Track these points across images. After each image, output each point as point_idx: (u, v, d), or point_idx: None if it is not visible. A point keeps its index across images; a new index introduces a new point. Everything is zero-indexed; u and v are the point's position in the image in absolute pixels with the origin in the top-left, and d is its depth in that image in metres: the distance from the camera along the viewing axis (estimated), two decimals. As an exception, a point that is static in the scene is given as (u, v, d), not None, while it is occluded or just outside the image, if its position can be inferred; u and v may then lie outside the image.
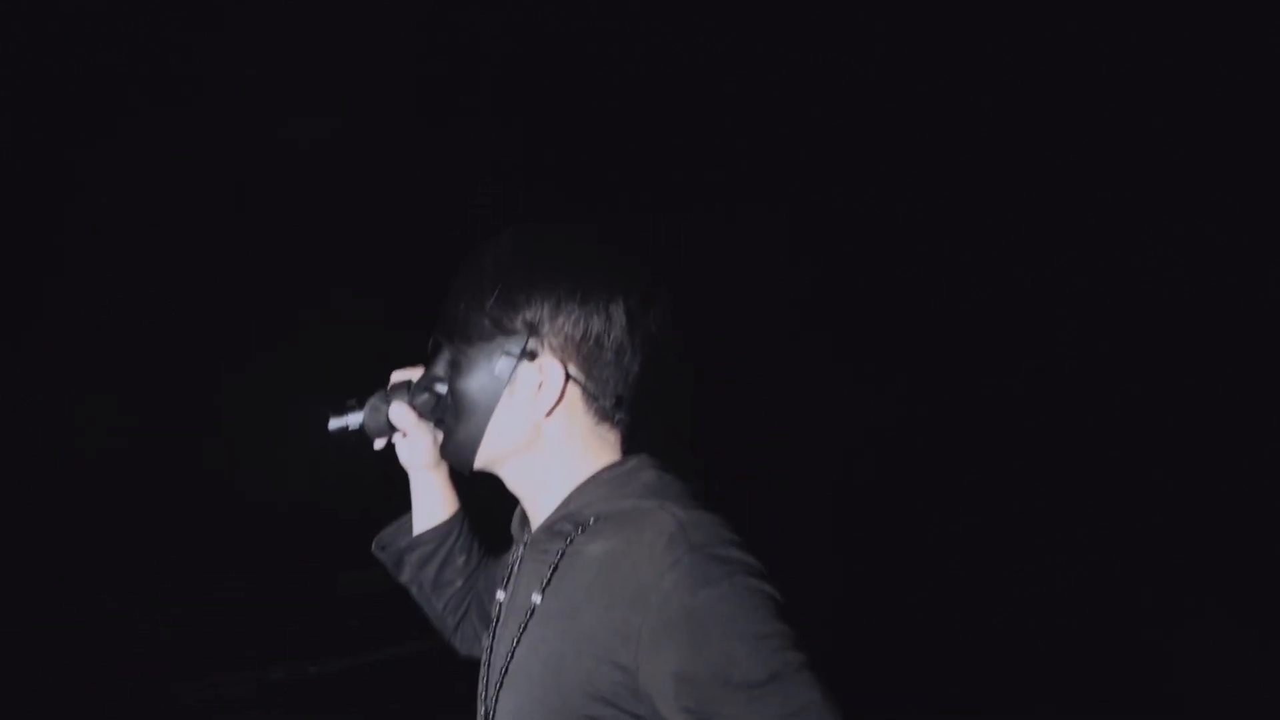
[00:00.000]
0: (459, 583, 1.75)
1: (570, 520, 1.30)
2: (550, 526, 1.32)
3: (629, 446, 1.38)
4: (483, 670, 1.43)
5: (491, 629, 1.44)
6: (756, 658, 1.11)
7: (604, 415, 1.33)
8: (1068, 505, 9.85)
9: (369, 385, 1.68)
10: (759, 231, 11.41)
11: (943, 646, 7.27)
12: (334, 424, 1.60)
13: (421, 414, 1.52)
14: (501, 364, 1.30)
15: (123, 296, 9.59)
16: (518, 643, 1.30)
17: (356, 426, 1.59)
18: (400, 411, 1.57)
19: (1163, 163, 11.25)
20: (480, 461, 1.39)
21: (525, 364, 1.29)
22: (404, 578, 1.79)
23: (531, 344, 1.29)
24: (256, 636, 7.70)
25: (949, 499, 10.08)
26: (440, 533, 1.76)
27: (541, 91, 10.76)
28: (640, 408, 1.37)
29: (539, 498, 1.37)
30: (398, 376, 1.67)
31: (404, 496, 1.82)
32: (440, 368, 1.44)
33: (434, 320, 1.44)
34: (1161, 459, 10.13)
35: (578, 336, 1.28)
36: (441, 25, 10.48)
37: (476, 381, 1.33)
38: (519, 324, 1.29)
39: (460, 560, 1.75)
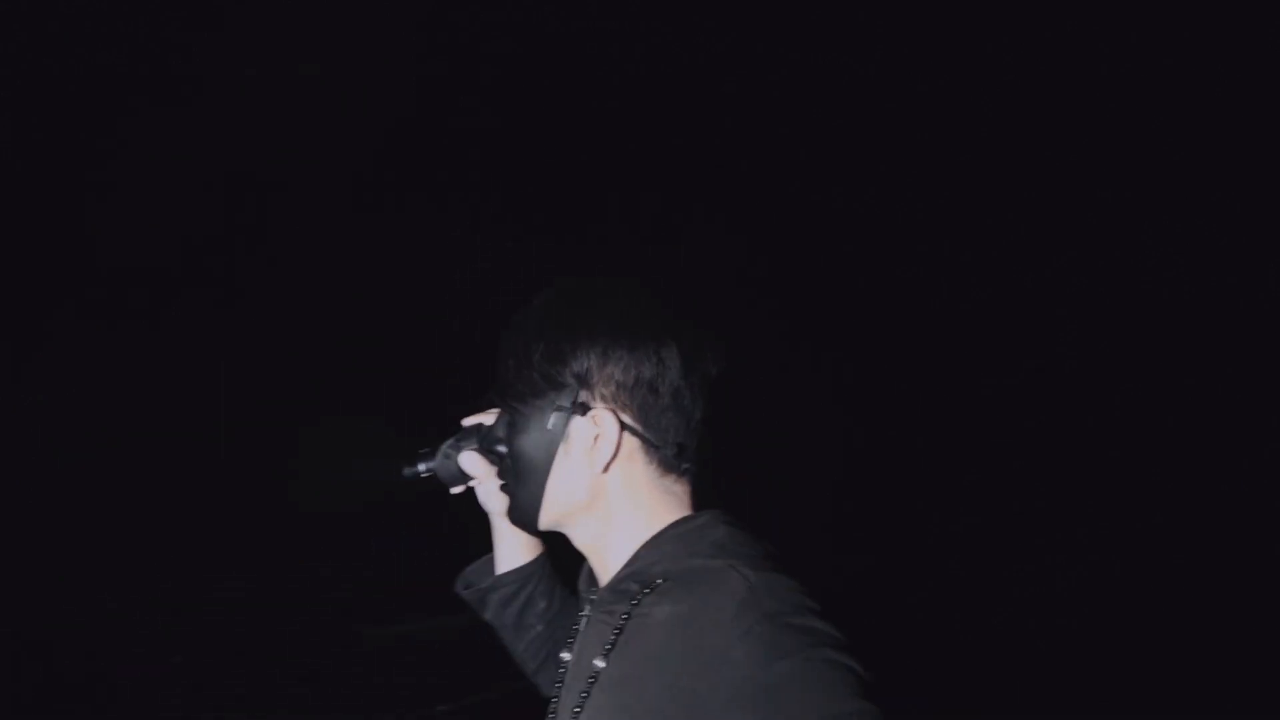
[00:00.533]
0: (539, 627, 1.70)
1: (636, 580, 1.24)
2: (615, 586, 1.27)
3: (700, 500, 1.32)
4: None
5: (555, 691, 1.38)
6: None
7: (668, 466, 1.28)
8: (1067, 504, 9.85)
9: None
10: (756, 234, 11.42)
11: (943, 646, 7.27)
12: (408, 472, 1.60)
13: (488, 458, 1.50)
14: (554, 420, 1.26)
15: (141, 298, 9.63)
16: (580, 710, 1.24)
17: (429, 474, 1.59)
18: (471, 460, 1.55)
19: (1162, 163, 11.25)
20: (544, 523, 1.34)
21: (578, 418, 1.24)
22: (487, 616, 1.76)
23: (583, 396, 1.24)
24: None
25: (949, 498, 10.08)
26: (521, 575, 1.71)
27: (537, 93, 10.76)
28: (707, 456, 1.32)
29: (605, 556, 1.31)
30: (468, 422, 1.64)
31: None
32: (500, 428, 1.39)
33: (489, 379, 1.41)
34: (1161, 458, 10.12)
35: (630, 383, 1.23)
36: (441, 25, 10.48)
37: (531, 440, 1.28)
38: (568, 377, 1.25)
39: (541, 605, 1.70)
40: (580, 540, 1.35)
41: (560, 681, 1.35)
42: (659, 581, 1.21)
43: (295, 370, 9.95)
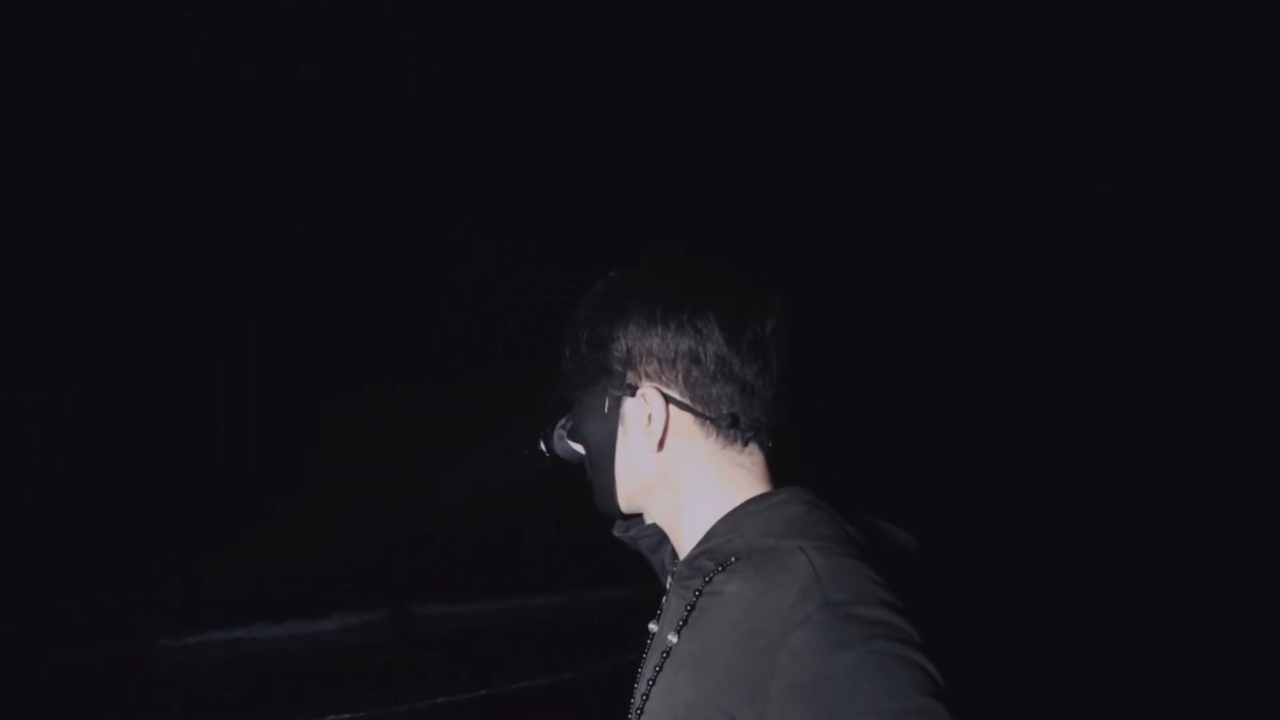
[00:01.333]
0: None
1: (711, 557, 1.23)
2: (691, 562, 1.25)
3: (781, 473, 1.28)
4: (632, 702, 1.36)
5: (643, 660, 1.37)
6: None
7: (729, 437, 1.25)
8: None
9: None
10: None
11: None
12: (529, 450, 1.63)
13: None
14: (609, 405, 1.28)
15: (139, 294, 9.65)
16: (653, 683, 1.24)
17: (550, 452, 1.62)
18: (567, 446, 1.52)
19: (1162, 162, 11.24)
20: (624, 506, 1.34)
21: (629, 399, 1.26)
22: (642, 549, 1.72)
23: (630, 377, 1.25)
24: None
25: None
26: (658, 529, 1.75)
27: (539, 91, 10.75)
28: (785, 425, 1.28)
29: (681, 532, 1.29)
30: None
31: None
32: (573, 420, 1.39)
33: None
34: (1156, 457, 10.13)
35: (670, 357, 1.23)
36: (441, 25, 10.48)
37: (594, 428, 1.31)
38: (614, 361, 1.26)
39: None
40: (658, 518, 1.34)
41: (646, 651, 1.34)
42: (733, 560, 1.21)
43: (293, 371, 9.96)
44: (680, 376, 1.24)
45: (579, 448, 1.41)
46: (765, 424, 1.25)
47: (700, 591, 1.22)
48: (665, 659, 1.23)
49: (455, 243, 10.45)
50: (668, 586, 1.33)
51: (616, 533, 1.70)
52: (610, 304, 1.27)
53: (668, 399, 1.25)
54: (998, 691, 6.40)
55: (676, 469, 1.27)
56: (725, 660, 1.13)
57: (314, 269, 10.14)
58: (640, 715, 1.24)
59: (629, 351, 1.25)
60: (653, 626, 1.35)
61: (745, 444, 1.26)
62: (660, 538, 1.57)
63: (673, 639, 1.23)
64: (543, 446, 1.55)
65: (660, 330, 1.23)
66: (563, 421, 1.48)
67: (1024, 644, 7.23)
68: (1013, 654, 7.00)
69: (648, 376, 1.25)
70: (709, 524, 1.25)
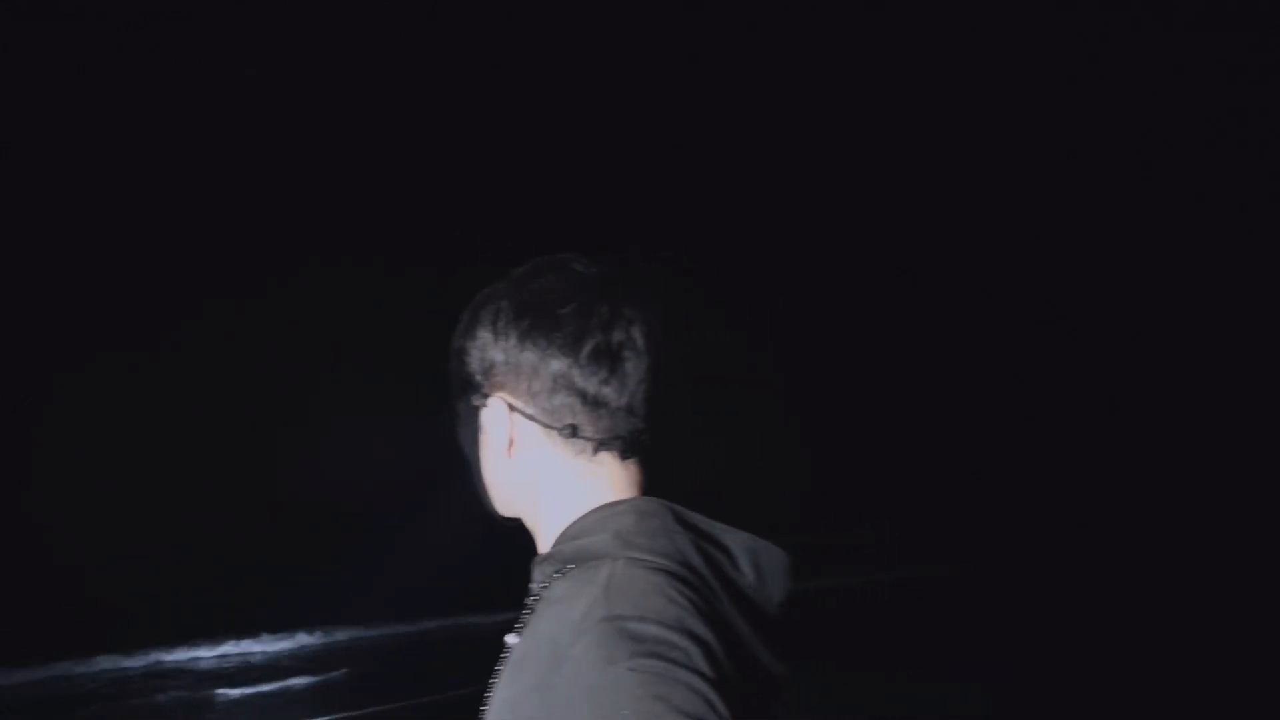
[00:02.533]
0: None
1: (552, 563, 1.24)
2: (538, 566, 1.27)
3: (647, 483, 1.28)
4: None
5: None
6: None
7: (578, 448, 1.26)
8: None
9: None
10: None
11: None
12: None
13: None
14: (471, 414, 1.31)
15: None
16: (495, 683, 1.26)
17: None
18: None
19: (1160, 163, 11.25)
20: (501, 510, 1.35)
21: (484, 410, 1.29)
22: None
23: (486, 388, 1.28)
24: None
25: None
26: None
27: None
28: (648, 435, 1.27)
29: (540, 537, 1.31)
30: None
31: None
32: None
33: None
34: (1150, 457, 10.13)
35: (514, 369, 1.26)
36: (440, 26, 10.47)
37: (464, 436, 1.35)
38: (472, 373, 1.29)
39: None
40: (527, 523, 1.35)
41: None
42: (569, 567, 1.22)
43: (294, 370, 9.96)
44: (524, 388, 1.26)
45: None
46: (620, 433, 1.26)
47: (538, 597, 1.24)
48: (505, 659, 1.25)
49: (454, 243, 10.43)
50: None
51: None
52: (471, 316, 1.30)
53: (513, 409, 1.27)
54: (998, 692, 6.42)
55: (531, 477, 1.30)
56: (534, 665, 1.16)
57: (312, 270, 10.14)
58: (486, 715, 1.26)
59: (481, 363, 1.29)
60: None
61: (595, 453, 1.27)
62: None
63: (511, 640, 1.25)
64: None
65: (503, 343, 1.26)
66: None
67: (1024, 643, 7.24)
68: (1012, 654, 7.01)
69: (498, 387, 1.28)
70: (559, 530, 1.27)
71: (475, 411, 1.30)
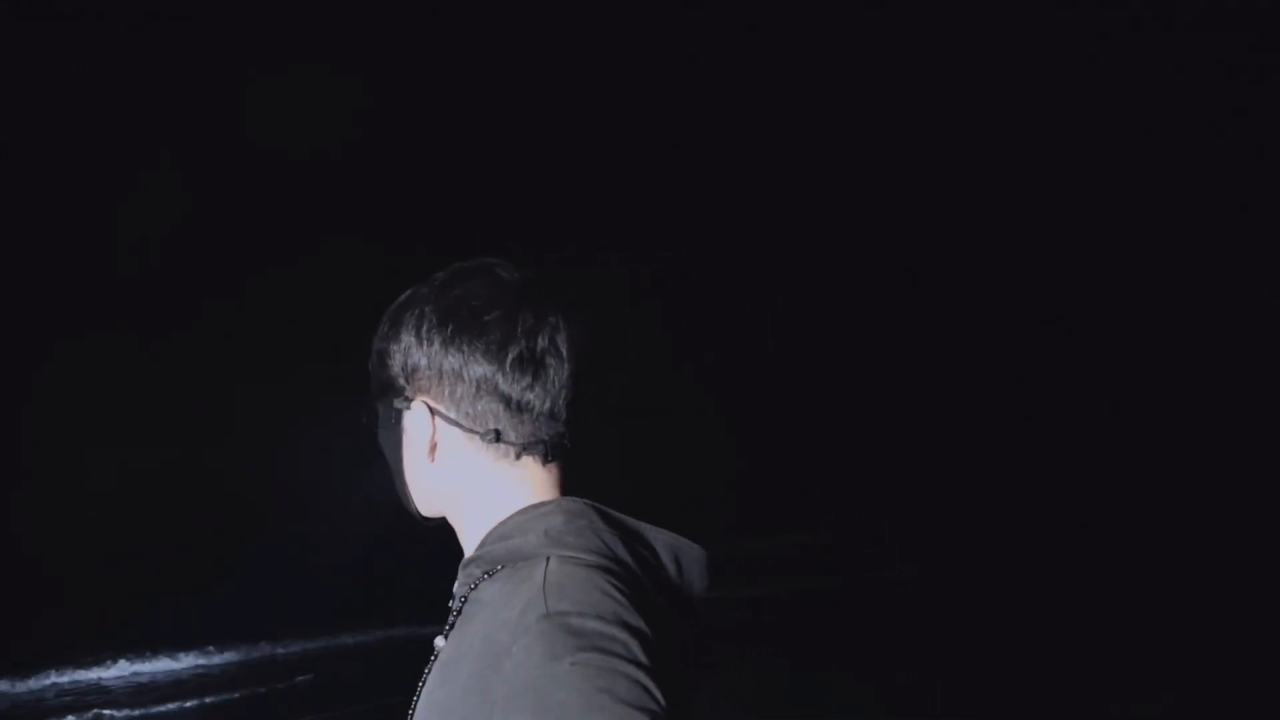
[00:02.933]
0: None
1: (479, 564, 1.26)
2: (464, 568, 1.29)
3: (567, 486, 1.30)
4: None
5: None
6: None
7: (501, 452, 1.27)
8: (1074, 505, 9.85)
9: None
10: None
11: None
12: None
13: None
14: (392, 417, 1.33)
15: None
16: (422, 685, 1.27)
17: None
18: None
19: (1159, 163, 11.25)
20: (423, 510, 1.37)
21: (406, 413, 1.31)
22: None
23: (408, 391, 1.30)
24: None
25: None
26: None
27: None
28: (570, 439, 1.29)
29: (464, 539, 1.33)
30: None
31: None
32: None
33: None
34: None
35: (437, 374, 1.27)
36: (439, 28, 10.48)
37: (384, 438, 1.36)
38: (394, 376, 1.31)
39: None
40: (453, 524, 1.37)
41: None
42: (498, 568, 1.23)
43: (294, 369, 9.96)
44: (447, 393, 1.27)
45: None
46: (542, 437, 1.27)
47: (465, 598, 1.25)
48: (433, 662, 1.26)
49: (455, 243, 10.44)
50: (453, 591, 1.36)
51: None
52: (393, 319, 1.31)
53: (435, 413, 1.28)
54: (998, 692, 6.42)
55: (453, 480, 1.30)
56: (468, 667, 1.16)
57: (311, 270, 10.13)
58: (413, 714, 1.27)
59: (404, 366, 1.29)
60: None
61: (518, 457, 1.28)
62: None
63: (439, 642, 1.27)
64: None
65: (426, 348, 1.27)
66: None
67: (1024, 644, 7.24)
68: (1012, 654, 7.01)
69: (421, 391, 1.29)
70: (484, 533, 1.28)
71: (397, 414, 1.31)
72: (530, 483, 1.28)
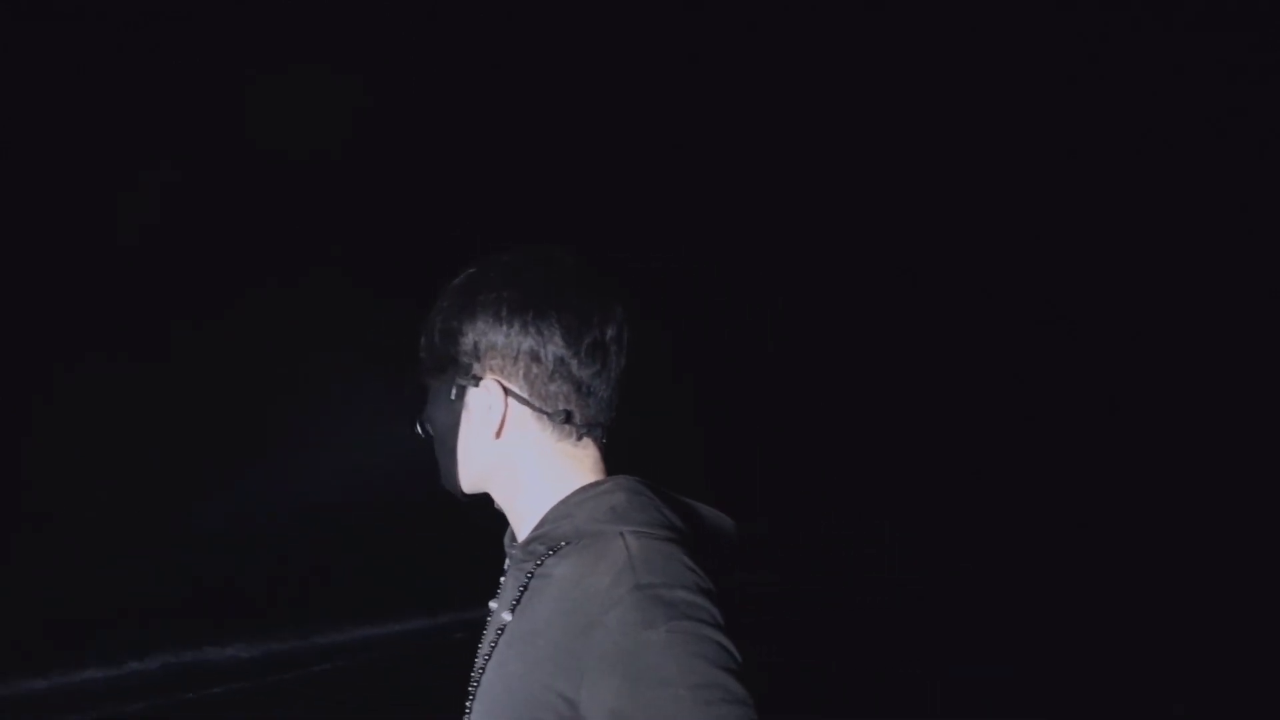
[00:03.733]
0: None
1: (543, 541, 1.32)
2: (526, 546, 1.35)
3: (613, 465, 1.38)
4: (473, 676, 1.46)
5: (482, 636, 1.48)
6: (687, 709, 1.11)
7: (564, 431, 1.34)
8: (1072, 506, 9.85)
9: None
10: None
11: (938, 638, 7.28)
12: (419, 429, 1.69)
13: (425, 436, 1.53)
14: (455, 392, 1.37)
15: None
16: (488, 659, 1.34)
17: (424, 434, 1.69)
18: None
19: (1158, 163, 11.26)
20: (466, 487, 1.43)
21: (473, 389, 1.35)
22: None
23: (476, 369, 1.34)
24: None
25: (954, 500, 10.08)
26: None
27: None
28: (622, 422, 1.37)
29: (519, 517, 1.39)
30: None
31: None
32: (425, 405, 1.48)
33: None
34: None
35: (513, 354, 1.32)
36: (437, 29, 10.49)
37: (441, 412, 1.41)
38: (465, 351, 1.35)
39: None
40: (499, 502, 1.43)
41: (486, 629, 1.43)
42: (562, 544, 1.30)
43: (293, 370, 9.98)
44: (521, 373, 1.33)
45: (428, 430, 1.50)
46: (601, 421, 1.35)
47: (532, 574, 1.32)
48: (500, 635, 1.33)
49: (455, 243, 10.46)
50: (505, 568, 1.43)
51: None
52: (463, 299, 1.36)
53: (508, 392, 1.34)
54: (998, 692, 6.42)
55: (514, 458, 1.37)
56: (549, 638, 1.24)
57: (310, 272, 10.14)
58: (478, 689, 1.35)
59: (476, 345, 1.34)
60: (492, 605, 1.46)
61: (579, 438, 1.36)
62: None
63: (507, 617, 1.33)
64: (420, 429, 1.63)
65: (505, 329, 1.32)
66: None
67: (1024, 644, 7.24)
68: (1013, 654, 7.01)
69: (492, 370, 1.34)
70: (543, 510, 1.35)
71: (461, 390, 1.36)
72: (588, 463, 1.36)
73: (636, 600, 1.16)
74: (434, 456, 1.46)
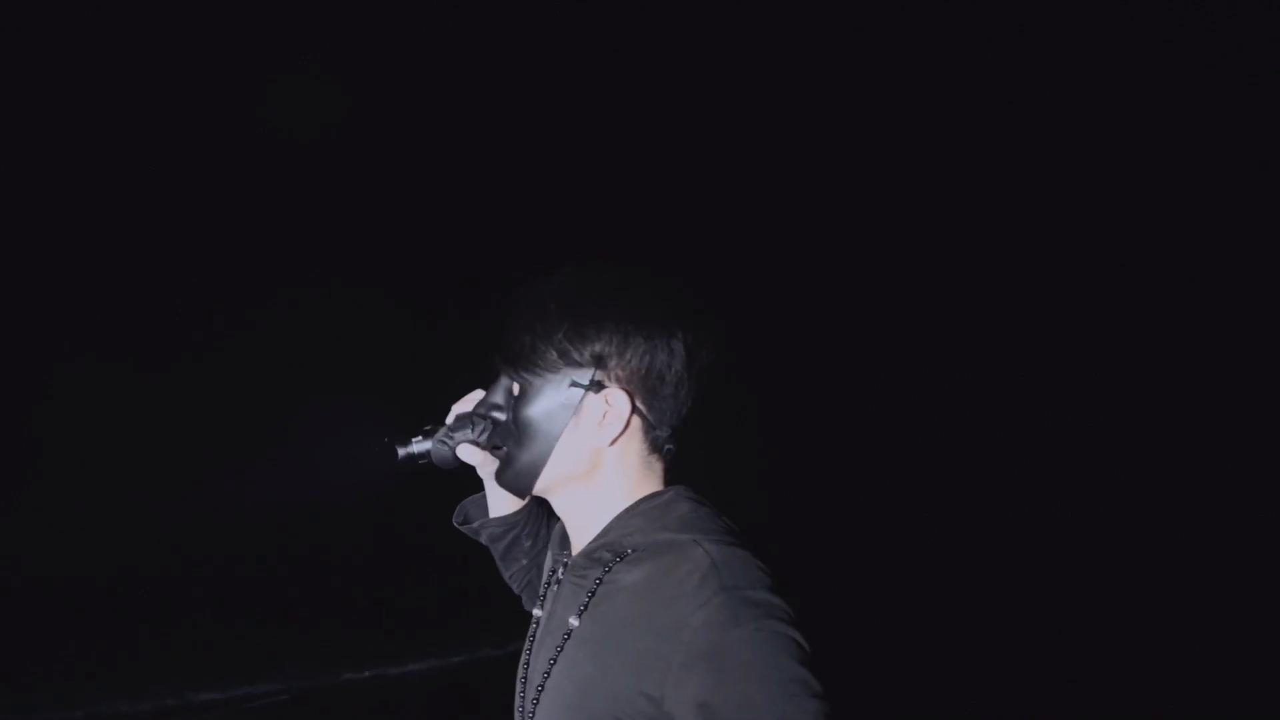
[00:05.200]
0: (524, 561, 1.87)
1: (609, 549, 1.37)
2: (590, 553, 1.40)
3: (670, 476, 1.45)
4: (519, 684, 1.50)
5: (528, 645, 1.56)
6: (774, 701, 1.17)
7: (656, 445, 1.42)
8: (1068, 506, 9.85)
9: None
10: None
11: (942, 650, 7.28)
12: (402, 453, 1.68)
13: (483, 446, 1.58)
14: (569, 394, 1.38)
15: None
16: (554, 662, 1.38)
17: (423, 457, 1.67)
18: (469, 452, 1.64)
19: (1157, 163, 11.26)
20: (539, 487, 1.45)
21: (591, 395, 1.37)
22: (482, 540, 1.90)
23: (599, 376, 1.37)
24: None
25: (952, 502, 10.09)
26: (507, 523, 1.85)
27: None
28: (686, 436, 1.45)
29: (584, 523, 1.44)
30: (459, 409, 1.76)
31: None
32: (499, 395, 1.49)
33: (493, 349, 1.49)
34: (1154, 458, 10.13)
35: (643, 370, 1.37)
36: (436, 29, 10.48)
37: (542, 410, 1.40)
38: (587, 357, 1.37)
39: (526, 544, 1.86)
40: (563, 506, 1.47)
41: (533, 637, 1.47)
42: (629, 552, 1.35)
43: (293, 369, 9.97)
44: (646, 388, 1.38)
45: (473, 456, 1.54)
46: (677, 438, 1.45)
47: (600, 580, 1.36)
48: (567, 640, 1.38)
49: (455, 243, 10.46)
50: (559, 575, 1.47)
51: (456, 522, 1.88)
52: (594, 303, 1.39)
53: (634, 406, 1.40)
54: (998, 691, 6.42)
55: (608, 466, 1.42)
56: (629, 639, 1.29)
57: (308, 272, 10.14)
58: (541, 692, 1.39)
59: (601, 354, 1.37)
60: (537, 613, 1.52)
61: (660, 453, 1.43)
62: (506, 532, 1.75)
63: (574, 622, 1.38)
64: (416, 450, 1.60)
65: (643, 344, 1.37)
66: (443, 430, 1.54)
67: (1024, 644, 7.24)
68: (1012, 654, 7.01)
69: (618, 380, 1.38)
70: (606, 518, 1.41)
71: (577, 394, 1.38)
72: (658, 474, 1.44)
73: (724, 601, 1.23)
74: (508, 451, 1.45)
